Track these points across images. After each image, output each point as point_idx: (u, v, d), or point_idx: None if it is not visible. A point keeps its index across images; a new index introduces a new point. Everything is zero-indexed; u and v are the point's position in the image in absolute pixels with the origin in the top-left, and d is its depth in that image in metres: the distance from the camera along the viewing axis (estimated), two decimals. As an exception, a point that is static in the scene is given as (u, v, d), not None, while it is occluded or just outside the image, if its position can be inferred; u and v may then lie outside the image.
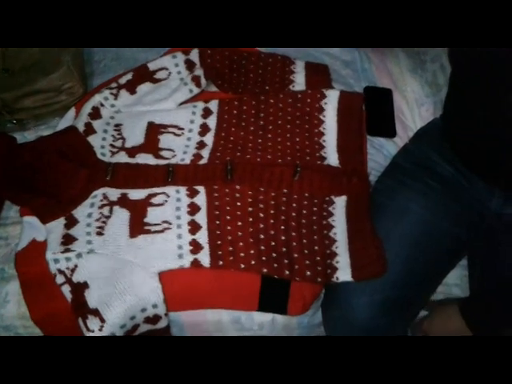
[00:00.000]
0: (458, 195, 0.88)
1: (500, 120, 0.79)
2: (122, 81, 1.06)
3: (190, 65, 1.08)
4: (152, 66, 1.08)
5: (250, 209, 0.91)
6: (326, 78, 1.09)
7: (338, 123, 1.02)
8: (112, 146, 0.99)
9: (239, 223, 0.89)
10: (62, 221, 0.89)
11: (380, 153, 1.05)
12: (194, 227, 0.88)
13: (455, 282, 0.93)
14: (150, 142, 0.99)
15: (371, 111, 1.06)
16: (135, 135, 1.00)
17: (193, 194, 0.92)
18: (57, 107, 1.05)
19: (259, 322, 0.90)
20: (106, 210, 0.90)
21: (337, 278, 0.83)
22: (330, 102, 1.03)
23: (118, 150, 0.98)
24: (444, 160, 0.91)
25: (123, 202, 0.91)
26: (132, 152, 0.98)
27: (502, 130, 0.79)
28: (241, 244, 0.87)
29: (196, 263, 0.85)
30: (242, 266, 0.85)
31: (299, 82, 1.07)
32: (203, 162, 0.96)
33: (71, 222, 0.89)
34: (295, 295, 0.87)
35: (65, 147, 0.98)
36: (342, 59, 1.15)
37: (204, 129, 1.01)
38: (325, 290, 0.89)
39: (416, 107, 1.10)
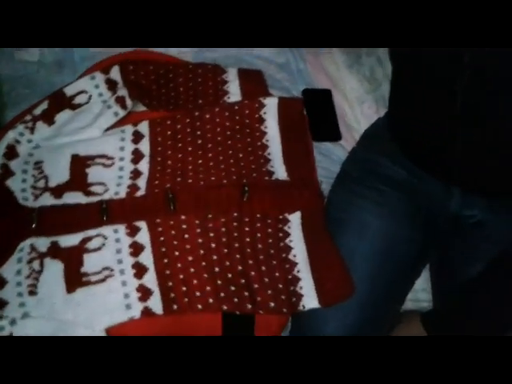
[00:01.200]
0: (414, 199, 0.83)
1: (446, 113, 0.74)
2: (37, 111, 0.94)
3: (111, 85, 0.97)
4: (69, 91, 0.96)
5: (200, 240, 0.82)
6: (262, 84, 1.02)
7: (281, 132, 0.95)
8: (34, 187, 0.87)
9: (190, 258, 0.80)
10: None
11: (328, 158, 0.99)
12: (140, 270, 0.79)
13: (422, 287, 0.89)
14: (77, 178, 0.88)
15: (313, 115, 1.00)
16: (59, 172, 0.88)
17: (133, 231, 0.82)
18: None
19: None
20: (36, 264, 0.78)
21: (303, 306, 0.77)
22: (270, 111, 0.96)
23: (42, 192, 0.86)
24: (395, 163, 0.86)
25: (54, 251, 0.80)
26: (57, 192, 0.86)
27: (447, 122, 0.75)
28: (195, 282, 0.78)
29: (147, 312, 0.76)
30: (200, 306, 0.77)
31: (234, 91, 0.99)
32: (140, 193, 0.86)
33: None
34: (261, 328, 0.79)
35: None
36: (275, 62, 1.07)
37: (137, 155, 0.91)
38: (291, 318, 0.82)
39: (357, 105, 1.05)
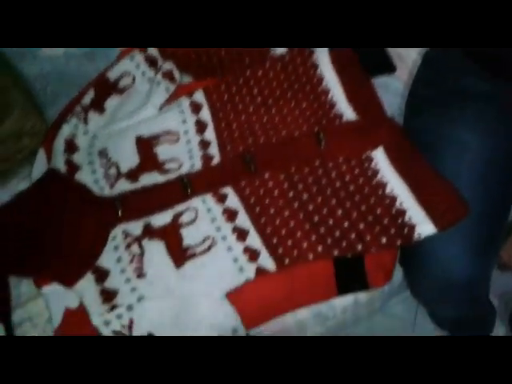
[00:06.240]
0: (504, 108, 0.87)
1: None
2: (86, 101, 0.97)
3: (152, 61, 1.00)
4: (112, 75, 0.99)
5: (291, 194, 0.86)
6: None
7: (338, 74, 0.98)
8: (106, 176, 0.90)
9: (286, 213, 0.84)
10: (90, 277, 0.81)
11: (387, 92, 1.03)
12: (241, 233, 0.83)
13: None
14: (148, 159, 0.91)
15: (361, 51, 1.04)
16: (127, 156, 0.92)
17: (221, 198, 0.86)
18: (22, 155, 0.95)
19: (341, 308, 0.87)
20: (135, 248, 0.82)
21: (419, 235, 0.80)
22: (321, 56, 0.99)
23: (116, 179, 0.90)
24: (475, 77, 0.89)
25: (150, 232, 0.83)
26: (132, 176, 0.90)
27: None
28: (299, 234, 0.82)
29: (260, 271, 0.80)
30: (311, 256, 0.81)
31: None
32: (216, 161, 0.90)
33: (102, 275, 0.81)
34: (372, 265, 0.83)
35: (53, 197, 0.88)
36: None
37: (200, 126, 0.94)
38: (400, 250, 0.86)
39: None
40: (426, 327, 1.23)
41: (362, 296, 0.87)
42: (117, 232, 0.84)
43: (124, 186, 0.89)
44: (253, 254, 0.81)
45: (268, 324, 0.83)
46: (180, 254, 0.81)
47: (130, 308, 0.77)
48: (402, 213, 0.83)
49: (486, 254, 0.82)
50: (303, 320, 0.86)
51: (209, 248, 0.81)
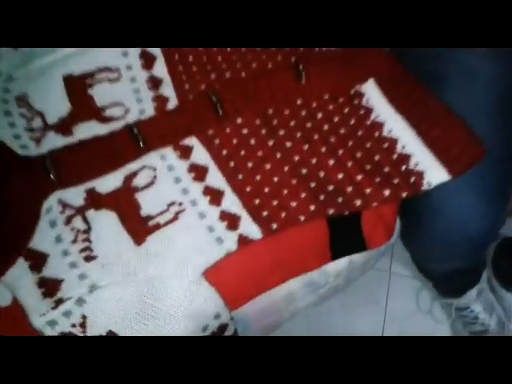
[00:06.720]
0: None
1: None
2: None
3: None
4: None
5: (271, 142, 0.70)
6: None
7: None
8: (30, 130, 0.71)
9: (268, 166, 0.69)
10: (22, 264, 0.62)
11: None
12: (215, 195, 0.67)
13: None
14: (82, 104, 0.73)
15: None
16: (55, 102, 0.72)
17: (185, 152, 0.69)
18: None
19: (335, 273, 0.73)
20: (78, 223, 0.64)
21: (429, 184, 0.68)
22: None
23: (43, 132, 0.70)
24: None
25: (95, 201, 0.66)
26: (64, 127, 0.71)
27: None
28: (285, 192, 0.68)
29: (243, 240, 0.65)
30: (302, 218, 0.67)
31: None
32: (173, 104, 0.73)
33: (38, 261, 0.62)
34: (371, 223, 0.70)
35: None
36: None
37: (147, 58, 0.76)
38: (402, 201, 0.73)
39: None
40: (403, 271, 1.16)
41: (357, 258, 0.74)
42: (51, 202, 0.66)
43: (54, 141, 0.70)
44: (232, 220, 0.66)
45: (253, 301, 0.69)
46: (139, 227, 0.64)
47: (80, 301, 0.60)
48: (405, 159, 0.70)
49: (503, 203, 0.71)
50: (292, 291, 0.72)
51: (175, 216, 0.65)
